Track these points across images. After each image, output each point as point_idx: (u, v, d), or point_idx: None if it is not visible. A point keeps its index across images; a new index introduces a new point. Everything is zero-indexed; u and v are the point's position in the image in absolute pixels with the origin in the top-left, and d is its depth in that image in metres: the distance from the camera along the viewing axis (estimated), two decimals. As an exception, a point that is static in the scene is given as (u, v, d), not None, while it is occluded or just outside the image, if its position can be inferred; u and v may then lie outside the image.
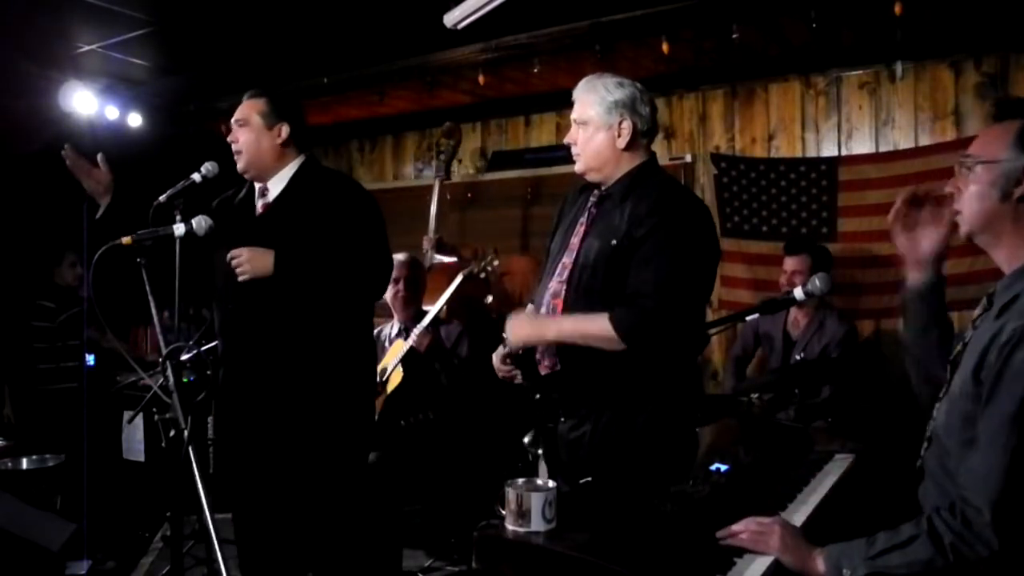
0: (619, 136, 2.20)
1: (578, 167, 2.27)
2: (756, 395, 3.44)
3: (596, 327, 2.06)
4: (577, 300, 2.17)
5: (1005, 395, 1.34)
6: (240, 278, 2.42)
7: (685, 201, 2.25)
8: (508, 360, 2.37)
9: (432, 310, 3.80)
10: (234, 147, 2.57)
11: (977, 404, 1.41)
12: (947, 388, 1.56)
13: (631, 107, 2.23)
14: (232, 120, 2.59)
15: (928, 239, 1.70)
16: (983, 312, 1.55)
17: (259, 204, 2.60)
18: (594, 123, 2.21)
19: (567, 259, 2.24)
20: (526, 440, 2.37)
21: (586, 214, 2.27)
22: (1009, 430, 1.32)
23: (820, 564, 1.44)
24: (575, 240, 2.25)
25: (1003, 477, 1.31)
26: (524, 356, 2.31)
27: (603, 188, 2.25)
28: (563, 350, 2.19)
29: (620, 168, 2.22)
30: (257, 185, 2.63)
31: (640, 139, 2.24)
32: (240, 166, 2.59)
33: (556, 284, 2.24)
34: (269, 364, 2.49)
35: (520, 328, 2.22)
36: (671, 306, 2.06)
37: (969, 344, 1.52)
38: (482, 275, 3.96)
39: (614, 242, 2.12)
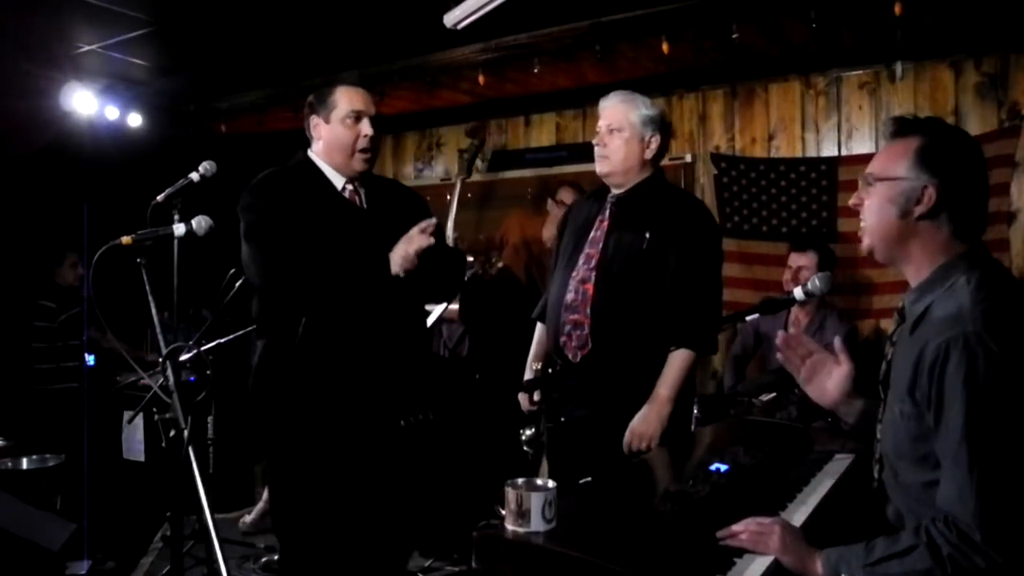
0: (647, 148, 2.52)
1: (603, 168, 2.54)
2: (761, 398, 3.44)
3: (682, 365, 2.40)
4: (608, 285, 2.46)
5: (951, 415, 1.35)
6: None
7: (703, 207, 2.66)
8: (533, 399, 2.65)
9: (436, 311, 3.80)
10: (369, 144, 2.40)
11: (920, 422, 1.42)
12: (883, 409, 1.56)
13: (660, 126, 2.54)
14: (371, 115, 2.43)
15: (832, 382, 1.75)
16: (897, 327, 1.57)
17: (352, 198, 2.43)
18: (629, 132, 2.50)
19: (591, 250, 2.53)
20: (524, 436, 2.45)
21: (606, 213, 2.56)
22: (969, 447, 1.33)
23: (819, 567, 1.44)
24: (597, 235, 2.55)
25: (977, 495, 1.31)
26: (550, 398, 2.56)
27: (618, 193, 2.56)
28: (597, 332, 2.45)
29: (639, 176, 2.54)
30: (342, 179, 2.41)
31: (659, 155, 2.57)
32: (368, 165, 2.44)
33: (585, 272, 2.51)
34: (408, 351, 2.44)
35: (649, 426, 2.39)
36: (716, 301, 2.49)
37: (893, 362, 1.53)
38: (487, 277, 3.95)
39: (648, 235, 2.44)
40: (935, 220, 1.48)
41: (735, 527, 1.51)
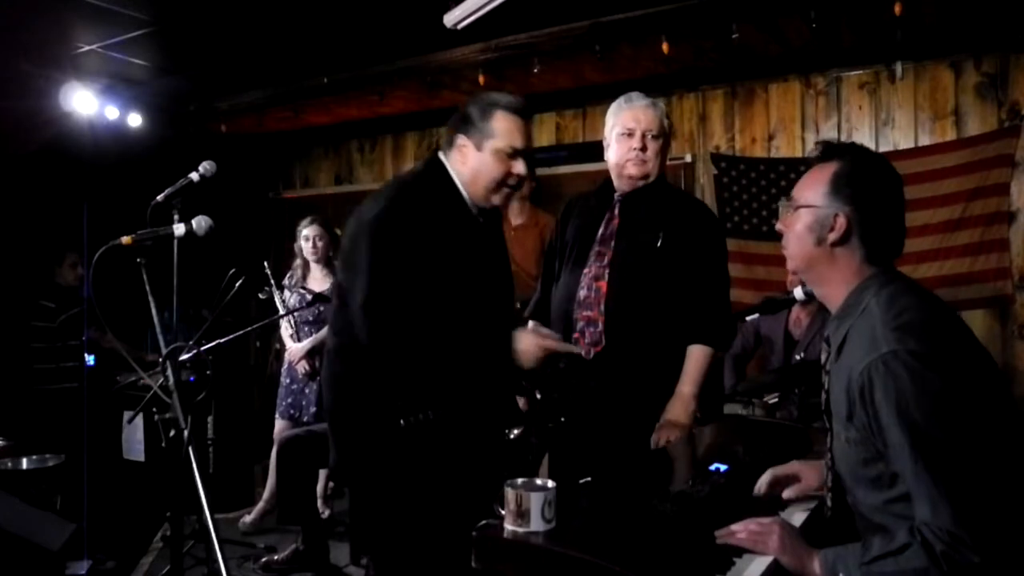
0: (668, 152, 2.62)
1: (640, 171, 2.54)
2: (765, 398, 3.44)
3: (704, 362, 2.45)
4: (622, 283, 2.48)
5: (893, 437, 1.37)
6: None
7: (706, 207, 2.79)
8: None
9: None
10: (517, 183, 2.19)
11: (867, 446, 1.44)
12: (831, 438, 1.59)
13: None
14: (529, 150, 2.22)
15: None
16: (827, 356, 1.60)
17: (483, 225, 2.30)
18: (663, 139, 2.56)
19: (602, 248, 2.54)
20: (512, 435, 2.38)
21: (615, 211, 2.58)
22: (924, 463, 1.34)
23: (817, 567, 1.45)
24: (608, 232, 2.56)
25: (950, 504, 1.32)
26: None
27: (625, 191, 2.57)
28: (611, 329, 2.45)
29: None
30: (475, 206, 2.23)
31: None
32: (507, 201, 2.30)
33: (597, 269, 2.53)
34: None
35: (677, 422, 2.42)
36: (728, 298, 2.57)
37: (830, 391, 1.56)
38: None
39: (662, 234, 2.48)
40: (848, 246, 1.53)
41: (734, 527, 1.52)
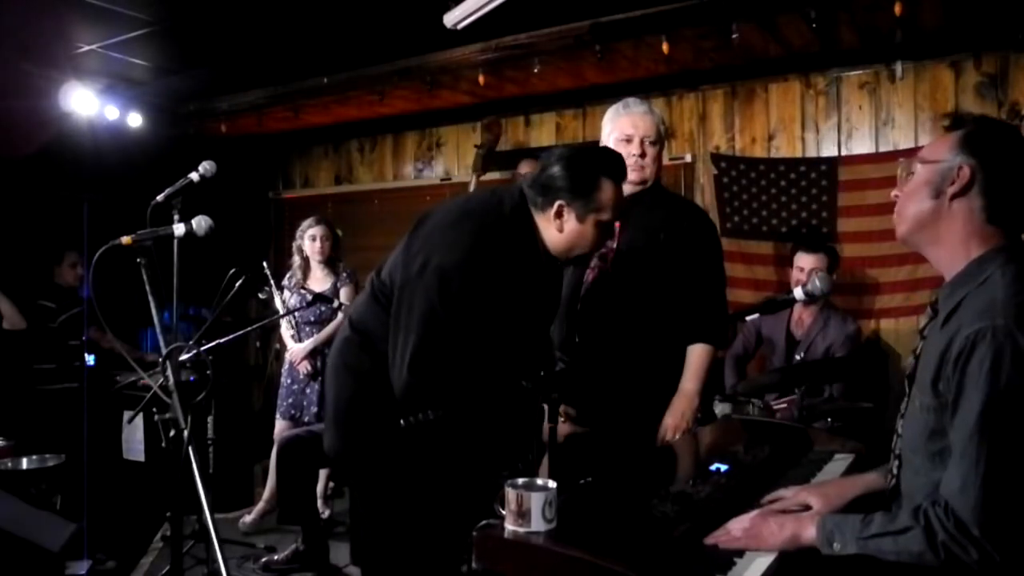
0: (664, 156, 2.69)
1: (639, 176, 2.57)
2: (771, 402, 3.43)
3: (706, 360, 2.51)
4: (623, 277, 2.52)
5: (967, 406, 1.35)
6: None
7: (701, 209, 2.85)
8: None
9: None
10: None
11: (940, 415, 1.42)
12: (907, 403, 1.57)
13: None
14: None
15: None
16: (929, 321, 1.57)
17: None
18: (660, 143, 2.60)
19: (605, 251, 2.52)
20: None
21: None
22: (980, 441, 1.33)
23: (812, 530, 1.46)
24: None
25: (981, 489, 1.31)
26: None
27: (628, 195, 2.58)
28: (614, 330, 2.50)
29: None
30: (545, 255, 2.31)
31: None
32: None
33: (600, 271, 2.55)
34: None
35: (682, 418, 2.48)
36: (725, 298, 2.65)
37: (921, 356, 1.53)
38: None
39: (662, 236, 2.52)
40: (966, 199, 1.48)
41: (724, 528, 1.52)
